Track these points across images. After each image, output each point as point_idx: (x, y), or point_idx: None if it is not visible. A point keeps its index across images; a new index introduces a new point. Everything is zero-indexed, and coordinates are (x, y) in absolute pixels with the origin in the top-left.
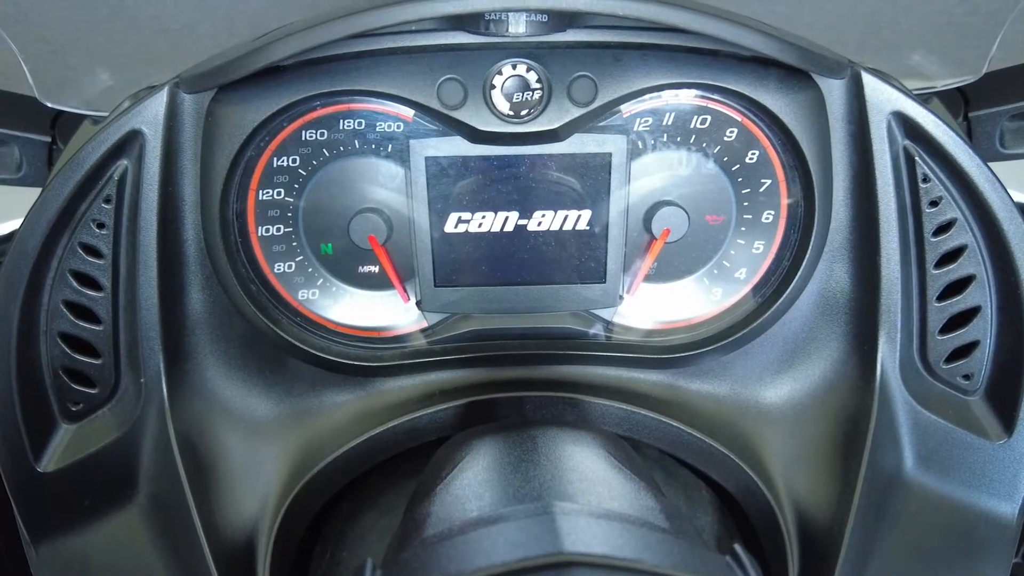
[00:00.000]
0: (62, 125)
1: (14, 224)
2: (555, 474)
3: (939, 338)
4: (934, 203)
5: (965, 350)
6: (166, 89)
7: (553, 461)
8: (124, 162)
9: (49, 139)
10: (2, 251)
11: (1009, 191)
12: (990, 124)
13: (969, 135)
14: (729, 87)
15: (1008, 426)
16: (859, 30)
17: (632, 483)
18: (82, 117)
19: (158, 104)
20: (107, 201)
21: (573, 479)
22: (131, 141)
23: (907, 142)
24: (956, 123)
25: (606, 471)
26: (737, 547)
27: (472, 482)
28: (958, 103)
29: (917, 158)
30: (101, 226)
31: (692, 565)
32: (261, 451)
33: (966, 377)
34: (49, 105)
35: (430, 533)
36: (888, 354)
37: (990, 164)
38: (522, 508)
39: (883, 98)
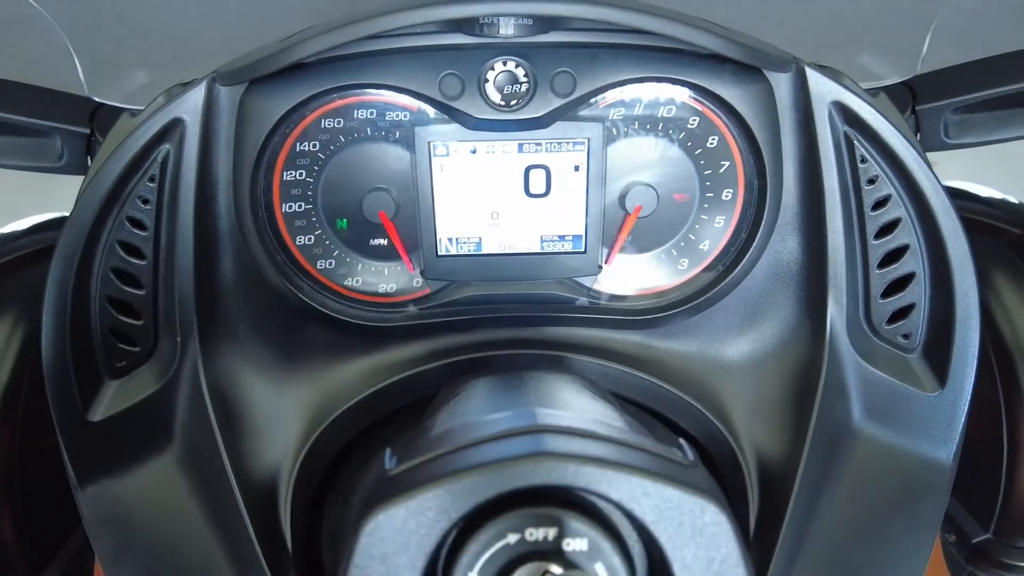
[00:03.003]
0: (99, 118)
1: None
2: (541, 395)
3: (881, 301)
4: (871, 181)
5: (904, 312)
6: (204, 83)
7: (540, 388)
8: (167, 146)
9: (88, 131)
10: (38, 236)
11: (958, 178)
12: (935, 117)
13: (917, 127)
14: (690, 80)
15: (942, 379)
16: (821, 33)
17: (609, 406)
18: (119, 110)
19: (197, 95)
20: (151, 180)
21: (557, 396)
22: (173, 128)
23: (846, 128)
24: (899, 114)
25: (589, 398)
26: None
27: (469, 403)
28: (906, 98)
29: (855, 141)
30: (146, 202)
31: (650, 443)
32: (282, 404)
33: (905, 336)
34: (96, 100)
35: (434, 433)
36: (836, 315)
37: (937, 152)
38: (510, 412)
39: (824, 89)
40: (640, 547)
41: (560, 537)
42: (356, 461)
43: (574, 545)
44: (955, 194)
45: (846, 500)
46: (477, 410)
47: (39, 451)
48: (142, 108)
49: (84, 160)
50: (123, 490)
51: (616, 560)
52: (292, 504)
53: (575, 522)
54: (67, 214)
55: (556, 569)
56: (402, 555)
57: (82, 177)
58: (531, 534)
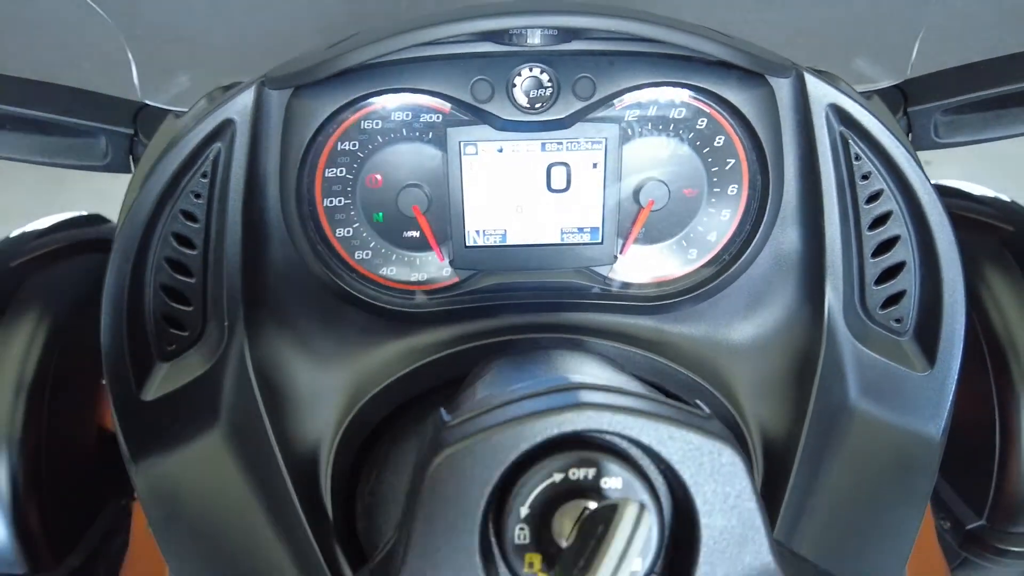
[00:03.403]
0: (142, 119)
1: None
2: (573, 364)
3: (875, 288)
4: (865, 177)
5: (896, 298)
6: (254, 86)
7: (570, 360)
8: (218, 145)
9: (131, 131)
10: (60, 234)
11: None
12: (925, 118)
13: (909, 127)
14: (699, 85)
15: (931, 360)
16: (819, 38)
17: (630, 377)
18: (161, 112)
19: (247, 98)
20: (204, 176)
21: (586, 365)
22: (225, 128)
23: (842, 128)
24: (890, 115)
25: (612, 369)
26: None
27: (507, 373)
28: (899, 100)
29: (850, 141)
30: (198, 196)
31: (674, 409)
32: (323, 383)
33: (897, 321)
34: (147, 103)
35: (480, 396)
36: (833, 301)
37: (937, 153)
38: (549, 375)
39: (821, 93)
40: (665, 488)
41: (598, 477)
42: (388, 438)
43: (610, 484)
44: (950, 193)
45: (844, 472)
46: (516, 377)
47: (64, 442)
48: (185, 110)
49: (127, 159)
50: (173, 465)
51: (646, 496)
52: (332, 476)
53: (611, 464)
54: (84, 213)
55: (594, 504)
56: (464, 494)
57: (126, 175)
58: (573, 474)
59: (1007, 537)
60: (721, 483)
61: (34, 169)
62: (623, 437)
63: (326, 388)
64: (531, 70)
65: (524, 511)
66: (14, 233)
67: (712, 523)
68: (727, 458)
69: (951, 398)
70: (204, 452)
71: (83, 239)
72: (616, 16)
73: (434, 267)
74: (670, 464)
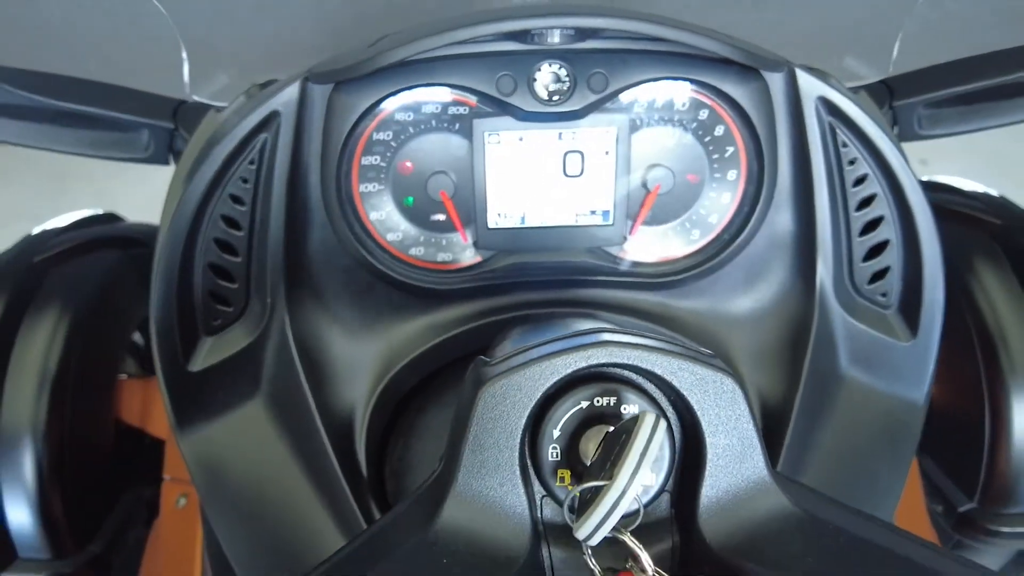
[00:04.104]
0: (181, 114)
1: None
2: (591, 319)
3: (862, 265)
4: (852, 162)
5: (881, 274)
6: (299, 81)
7: (585, 321)
8: (265, 135)
9: (172, 126)
10: (79, 231)
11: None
12: (909, 112)
13: (894, 120)
14: (701, 79)
15: (914, 331)
16: (817, 40)
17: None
18: (200, 107)
19: (292, 92)
20: (251, 163)
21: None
22: (271, 120)
23: (830, 118)
24: (875, 106)
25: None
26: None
27: (533, 327)
28: (885, 95)
29: (838, 129)
30: (245, 182)
31: (682, 347)
32: (356, 355)
33: (883, 295)
34: (194, 98)
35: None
36: (824, 277)
37: (912, 143)
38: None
39: (811, 87)
40: (675, 416)
41: (618, 404)
42: (415, 408)
43: (629, 411)
44: (942, 188)
45: (835, 434)
46: (542, 332)
47: (85, 434)
48: (225, 105)
49: (167, 152)
50: (217, 432)
51: (665, 424)
52: (366, 439)
53: (629, 394)
54: (100, 211)
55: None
56: (506, 418)
57: (166, 167)
58: (597, 402)
59: (998, 518)
60: (723, 408)
61: (35, 171)
62: (639, 370)
63: (360, 359)
64: (550, 66)
65: (556, 433)
66: (36, 230)
67: (716, 442)
68: (728, 386)
69: (933, 366)
70: (246, 419)
71: (100, 236)
72: (627, 17)
73: (459, 248)
74: (679, 392)
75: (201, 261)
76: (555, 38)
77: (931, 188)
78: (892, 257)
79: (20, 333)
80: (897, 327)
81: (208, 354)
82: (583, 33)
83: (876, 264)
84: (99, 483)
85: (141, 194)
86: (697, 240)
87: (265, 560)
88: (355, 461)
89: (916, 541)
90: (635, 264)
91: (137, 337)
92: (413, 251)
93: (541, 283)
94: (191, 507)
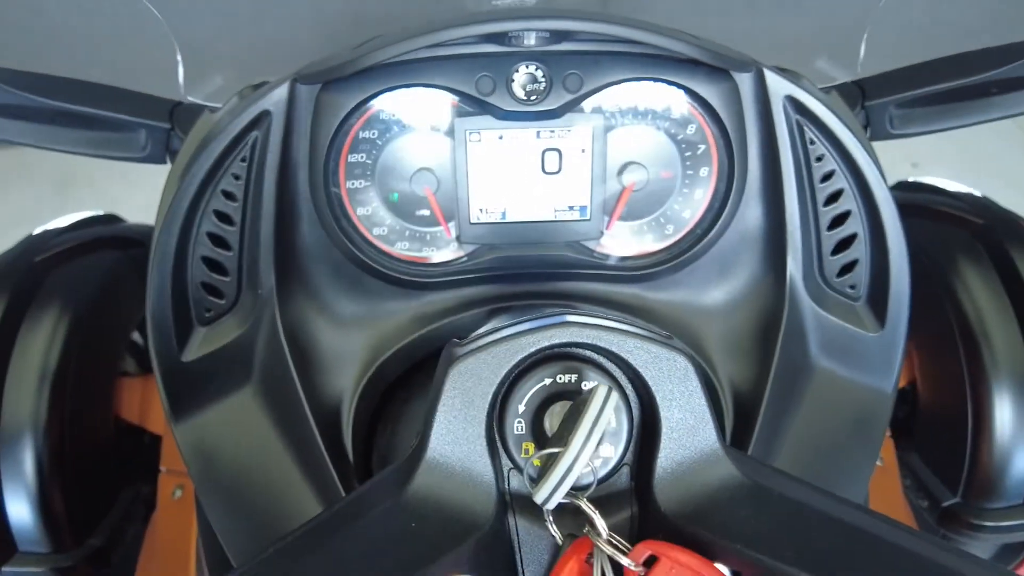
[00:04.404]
0: (177, 115)
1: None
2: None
3: (831, 258)
4: (819, 159)
5: (850, 267)
6: (288, 82)
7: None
8: (256, 133)
9: (168, 126)
10: (79, 232)
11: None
12: (881, 112)
13: (867, 120)
14: (673, 80)
15: (882, 322)
16: (793, 43)
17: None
18: (195, 109)
19: (282, 92)
20: (243, 160)
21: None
22: (262, 118)
23: (798, 116)
24: (843, 104)
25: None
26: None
27: (502, 319)
28: (857, 95)
29: (806, 127)
30: (237, 178)
31: (640, 328)
32: (344, 345)
33: (852, 287)
34: (189, 99)
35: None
36: (794, 270)
37: (884, 142)
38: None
39: (779, 86)
40: (634, 394)
41: (579, 382)
42: (401, 397)
43: (589, 388)
44: (926, 189)
45: (805, 422)
46: (513, 316)
47: (84, 431)
48: (219, 106)
49: (163, 152)
50: (210, 419)
51: (617, 395)
52: (353, 426)
53: (589, 372)
54: (100, 212)
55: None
56: (474, 392)
57: (162, 166)
58: (559, 379)
59: (982, 513)
60: (676, 384)
61: (36, 177)
62: (599, 350)
63: (347, 349)
64: (527, 67)
65: (521, 408)
66: (37, 230)
67: (670, 416)
68: (681, 364)
69: (901, 356)
70: (238, 406)
71: (100, 236)
72: (600, 20)
73: (443, 242)
74: (636, 369)
75: (195, 254)
76: (531, 40)
77: (916, 189)
78: (860, 250)
79: (21, 331)
80: (865, 318)
81: (201, 344)
82: (558, 35)
83: (844, 257)
84: (99, 478)
85: (142, 200)
86: (671, 235)
87: (256, 543)
88: (342, 447)
89: (861, 509)
90: (612, 258)
91: (136, 336)
92: (398, 245)
93: (522, 276)
94: (187, 498)
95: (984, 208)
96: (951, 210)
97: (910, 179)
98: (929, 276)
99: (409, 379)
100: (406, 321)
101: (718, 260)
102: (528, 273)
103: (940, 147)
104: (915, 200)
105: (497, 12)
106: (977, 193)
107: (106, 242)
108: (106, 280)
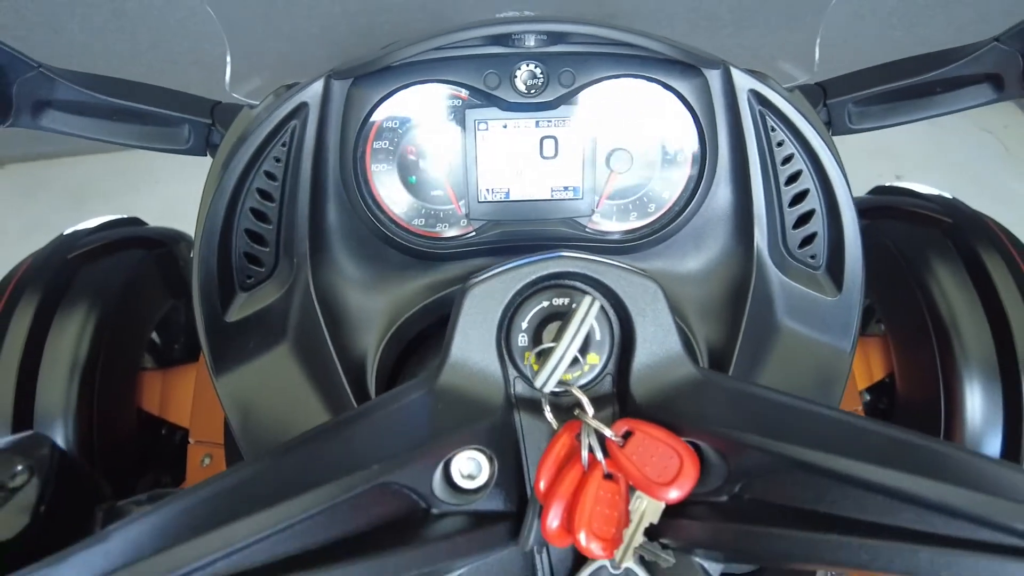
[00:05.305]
0: (217, 112)
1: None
2: None
3: (793, 232)
4: (780, 144)
5: (810, 239)
6: (323, 78)
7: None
8: (294, 122)
9: (209, 122)
10: (107, 232)
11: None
12: (841, 109)
13: (829, 116)
14: (653, 76)
15: (839, 287)
16: (766, 48)
17: None
18: (233, 106)
19: (317, 87)
20: (283, 145)
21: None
22: (300, 109)
23: (760, 108)
24: (802, 98)
25: None
26: None
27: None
28: (819, 94)
29: (768, 117)
30: (278, 160)
31: (622, 263)
32: (368, 307)
33: (812, 257)
34: (235, 96)
35: None
36: (760, 242)
37: (843, 136)
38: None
39: (744, 82)
40: (615, 315)
41: (571, 304)
42: (416, 358)
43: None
44: (900, 192)
45: (772, 377)
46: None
47: (111, 420)
48: (256, 103)
49: (204, 145)
50: (249, 374)
51: (598, 304)
52: (376, 377)
53: (579, 296)
54: (124, 216)
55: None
56: (487, 311)
57: (206, 159)
58: (555, 302)
59: None
60: (648, 303)
61: (54, 191)
62: (587, 279)
63: (371, 311)
64: (528, 65)
65: (524, 325)
66: (68, 230)
67: (644, 328)
68: (651, 288)
69: (857, 318)
70: (275, 361)
71: (127, 236)
72: (589, 24)
73: (454, 218)
74: (616, 293)
75: (239, 227)
76: (531, 42)
77: (891, 192)
78: (818, 224)
79: (54, 323)
80: (825, 284)
81: (242, 307)
82: (554, 38)
83: (805, 231)
84: (123, 468)
85: (155, 209)
86: (653, 212)
87: None
88: (367, 395)
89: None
90: (601, 232)
91: (153, 336)
92: (415, 221)
93: (523, 248)
94: (215, 466)
95: (953, 208)
96: (923, 211)
97: (885, 183)
98: (904, 273)
99: (424, 338)
100: (421, 287)
101: (693, 234)
102: (528, 245)
103: (926, 160)
104: (890, 202)
105: (503, 19)
106: (947, 195)
107: (131, 242)
108: (131, 278)
